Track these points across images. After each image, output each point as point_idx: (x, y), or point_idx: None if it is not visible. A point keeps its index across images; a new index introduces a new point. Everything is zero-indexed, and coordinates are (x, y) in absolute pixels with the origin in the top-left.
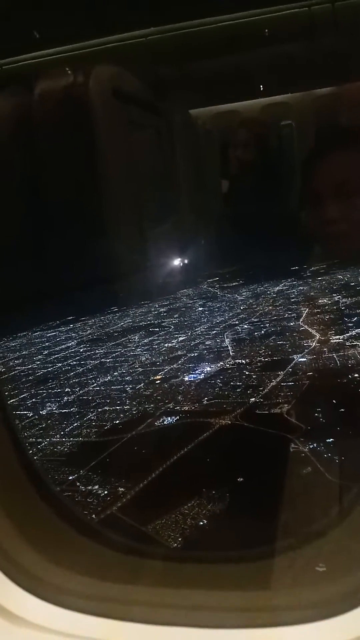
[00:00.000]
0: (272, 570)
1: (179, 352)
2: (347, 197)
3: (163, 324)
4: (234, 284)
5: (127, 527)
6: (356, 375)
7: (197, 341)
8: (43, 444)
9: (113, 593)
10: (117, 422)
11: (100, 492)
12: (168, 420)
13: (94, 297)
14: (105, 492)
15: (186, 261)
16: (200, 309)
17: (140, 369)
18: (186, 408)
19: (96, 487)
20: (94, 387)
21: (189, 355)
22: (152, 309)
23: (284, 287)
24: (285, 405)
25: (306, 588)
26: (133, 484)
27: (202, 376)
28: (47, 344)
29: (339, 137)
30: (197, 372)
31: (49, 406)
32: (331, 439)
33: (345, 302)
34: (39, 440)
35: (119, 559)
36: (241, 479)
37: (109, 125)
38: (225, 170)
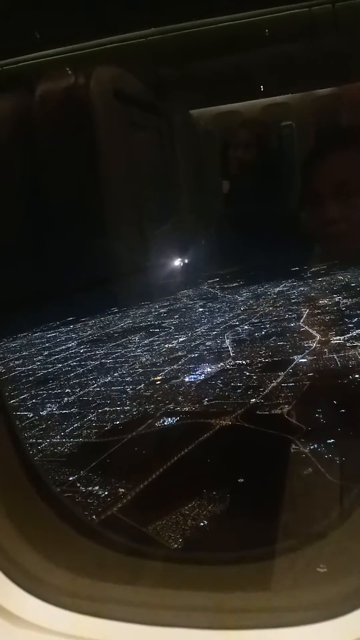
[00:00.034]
0: (272, 572)
1: (180, 353)
2: (347, 197)
3: (163, 324)
4: (234, 284)
5: (128, 528)
6: (357, 376)
7: (197, 342)
8: (43, 444)
9: (113, 594)
10: (118, 422)
11: (100, 493)
12: (168, 421)
13: (94, 297)
14: (106, 492)
15: (186, 262)
16: (200, 309)
17: (140, 370)
18: (186, 409)
19: (96, 487)
20: (94, 387)
21: (189, 356)
22: (153, 310)
23: (285, 288)
24: (286, 406)
25: (307, 589)
26: (133, 484)
27: (202, 377)
28: (47, 344)
29: (339, 137)
30: (197, 372)
31: (49, 407)
32: (332, 440)
33: (346, 302)
34: (39, 441)
35: (120, 560)
36: (242, 480)
37: (110, 126)
38: (225, 170)
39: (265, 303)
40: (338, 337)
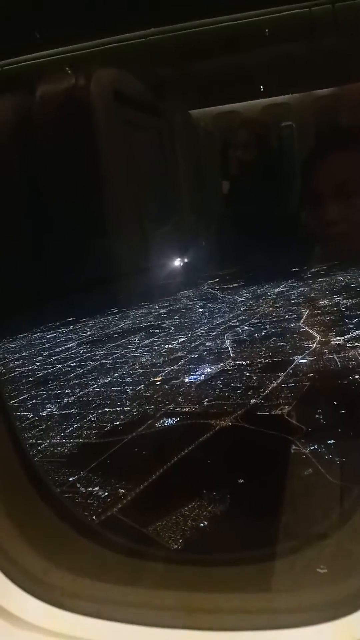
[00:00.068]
0: (272, 573)
1: (179, 354)
2: (347, 197)
3: (163, 325)
4: (234, 285)
5: (128, 528)
6: (357, 376)
7: (197, 342)
8: (43, 445)
9: (113, 595)
10: (118, 423)
11: (100, 493)
12: (168, 421)
13: (94, 298)
14: (106, 493)
15: (186, 262)
16: (200, 310)
17: (140, 370)
18: (186, 409)
19: (96, 488)
20: (94, 388)
21: (189, 356)
22: (152, 311)
23: (285, 289)
24: (286, 406)
25: (307, 590)
26: (133, 485)
27: (202, 377)
28: (47, 345)
29: (339, 138)
30: (197, 373)
31: (49, 407)
32: (332, 441)
33: (346, 303)
34: (39, 441)
35: (119, 561)
36: (242, 481)
37: (109, 126)
38: (225, 170)
39: (265, 304)
40: (338, 338)
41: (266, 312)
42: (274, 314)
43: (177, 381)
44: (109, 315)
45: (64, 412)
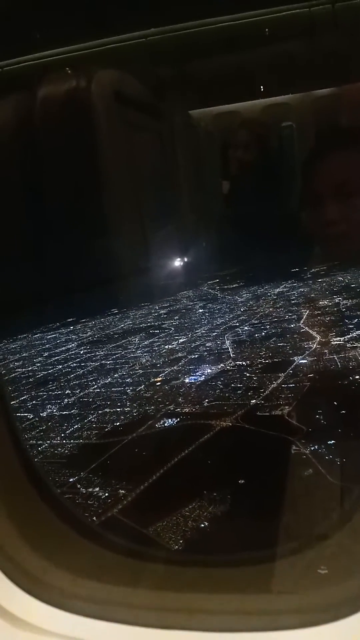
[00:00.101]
0: (273, 573)
1: (180, 354)
2: (347, 197)
3: (163, 325)
4: (234, 285)
5: (128, 529)
6: (357, 377)
7: (197, 343)
8: (43, 446)
9: (114, 596)
10: (118, 424)
11: (101, 494)
12: (169, 422)
13: (94, 298)
14: (106, 494)
15: (186, 263)
16: (200, 310)
17: (140, 371)
18: (187, 410)
19: (97, 489)
20: (94, 389)
21: (189, 357)
22: (153, 311)
23: (285, 289)
24: (286, 407)
25: (308, 591)
26: (134, 486)
27: (202, 378)
28: (47, 345)
29: (339, 138)
30: (197, 374)
31: (50, 408)
32: (332, 441)
33: (346, 303)
34: (39, 442)
35: (120, 562)
36: (242, 481)
37: (110, 127)
38: (225, 171)
39: (265, 304)
40: (338, 338)
41: (266, 312)
42: (274, 314)
43: (178, 382)
44: (109, 316)
45: (64, 412)
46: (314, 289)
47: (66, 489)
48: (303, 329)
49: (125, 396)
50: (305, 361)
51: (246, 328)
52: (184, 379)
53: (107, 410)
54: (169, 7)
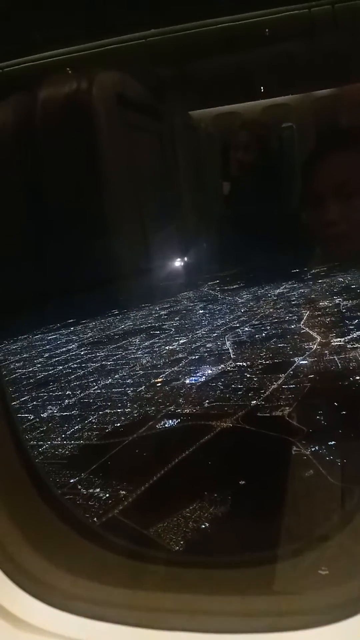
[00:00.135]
0: (274, 575)
1: (180, 355)
2: (347, 198)
3: (164, 326)
4: (234, 286)
5: (129, 530)
6: (357, 377)
7: (198, 344)
8: (44, 446)
9: (114, 597)
10: (118, 424)
11: (101, 495)
12: (169, 423)
13: (94, 299)
14: (107, 495)
15: (187, 263)
16: (201, 311)
17: (141, 372)
18: (187, 411)
19: (97, 490)
20: (94, 389)
21: (189, 358)
22: (153, 312)
23: (285, 290)
24: (287, 408)
25: (309, 592)
26: (134, 487)
27: (203, 379)
28: (48, 346)
29: (339, 139)
30: (198, 374)
31: (50, 409)
32: (333, 442)
33: (346, 304)
34: (40, 443)
35: (121, 563)
36: (243, 482)
37: (111, 128)
38: (226, 172)
39: (265, 305)
40: (339, 339)
41: (267, 313)
42: (274, 315)
43: (178, 382)
44: (109, 317)
45: (65, 413)
46: (315, 290)
47: (67, 489)
48: (303, 329)
49: (125, 397)
50: (306, 362)
51: (246, 329)
52: (185, 379)
53: (108, 411)
54: (169, 7)
